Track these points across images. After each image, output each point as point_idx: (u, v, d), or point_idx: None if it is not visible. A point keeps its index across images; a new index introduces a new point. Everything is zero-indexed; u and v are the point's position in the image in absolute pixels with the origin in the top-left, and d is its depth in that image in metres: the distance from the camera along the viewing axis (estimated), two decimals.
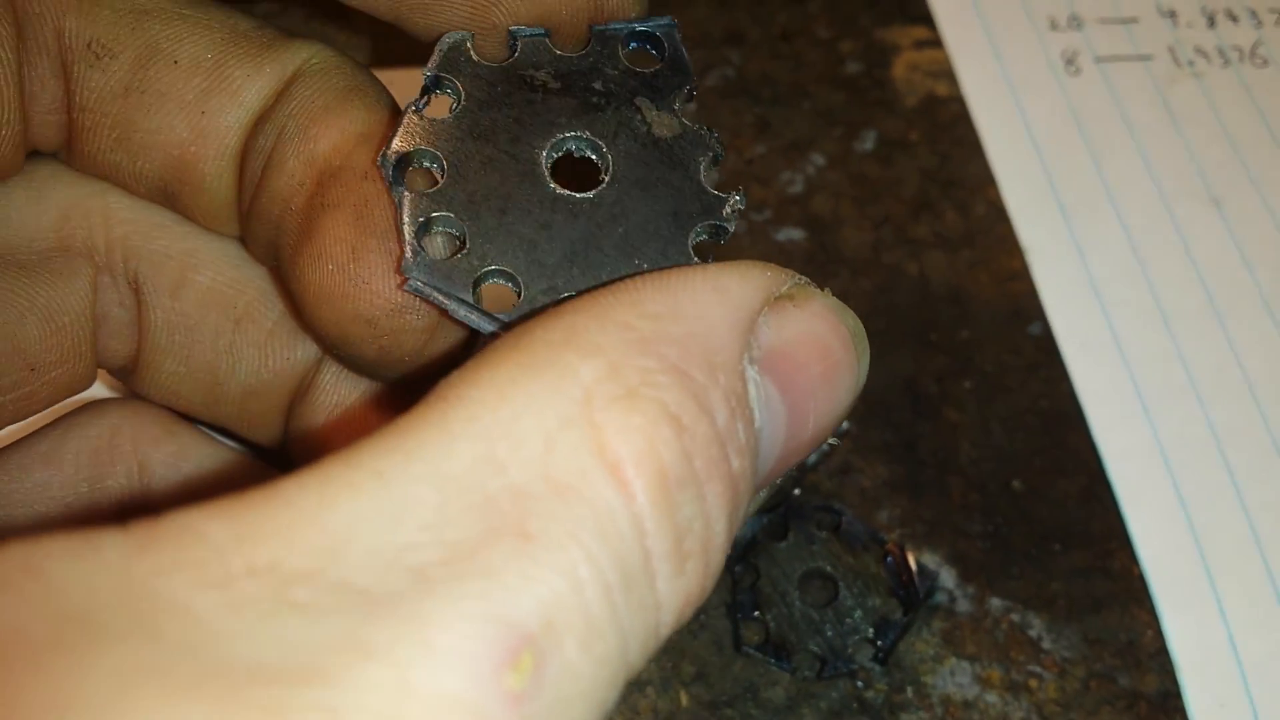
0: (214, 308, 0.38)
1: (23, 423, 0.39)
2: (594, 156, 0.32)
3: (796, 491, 0.49)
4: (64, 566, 0.20)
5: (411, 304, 0.32)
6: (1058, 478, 0.51)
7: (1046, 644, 0.47)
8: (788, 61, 0.64)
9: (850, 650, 0.46)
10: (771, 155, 0.60)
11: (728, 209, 0.31)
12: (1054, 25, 0.65)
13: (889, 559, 0.47)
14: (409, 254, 0.30)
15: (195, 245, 0.38)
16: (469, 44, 0.32)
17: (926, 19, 0.66)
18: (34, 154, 0.36)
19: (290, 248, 0.34)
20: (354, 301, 0.32)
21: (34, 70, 0.34)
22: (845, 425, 0.31)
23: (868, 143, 0.61)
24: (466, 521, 0.21)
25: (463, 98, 0.32)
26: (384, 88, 0.36)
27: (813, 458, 0.50)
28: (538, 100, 0.32)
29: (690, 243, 0.31)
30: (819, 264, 0.57)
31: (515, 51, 0.32)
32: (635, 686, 0.45)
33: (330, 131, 0.34)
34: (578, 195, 0.31)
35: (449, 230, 0.31)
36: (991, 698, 0.46)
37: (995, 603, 0.48)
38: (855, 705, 0.45)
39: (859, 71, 0.64)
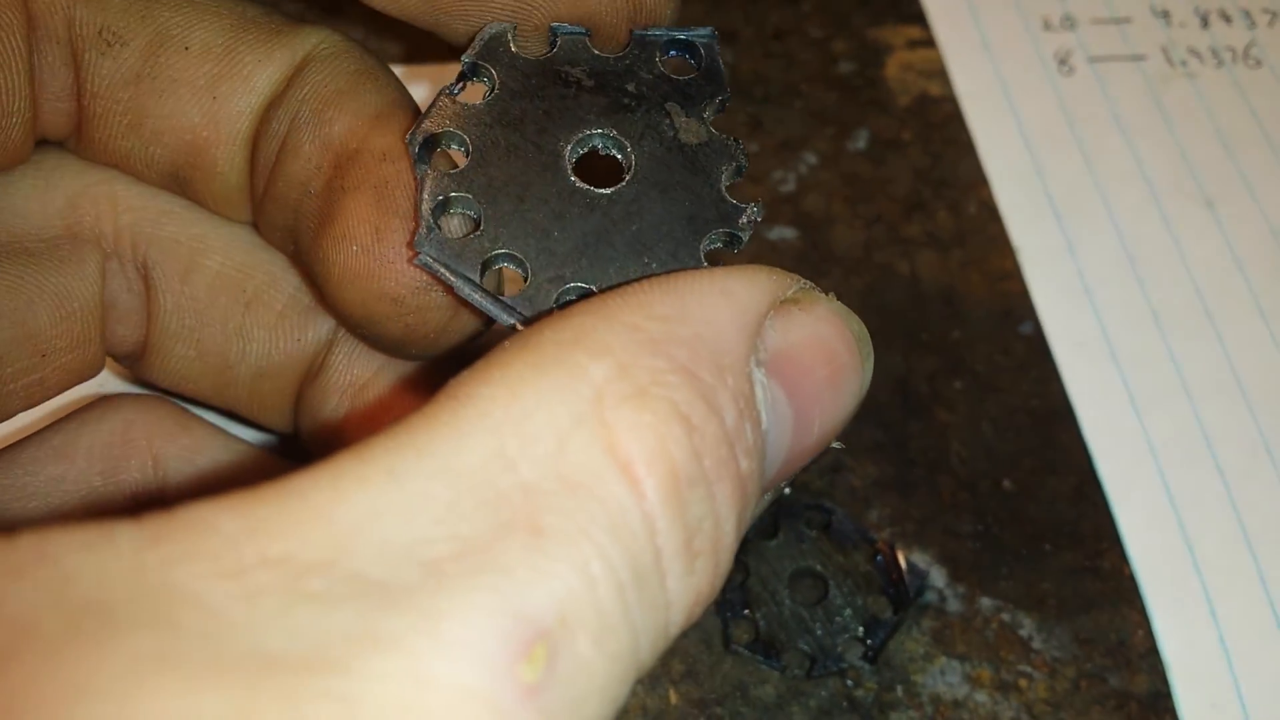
0: (223, 292, 0.39)
1: (33, 414, 0.39)
2: (618, 155, 0.32)
3: (787, 490, 0.49)
4: (78, 557, 0.20)
5: (435, 281, 0.32)
6: (1048, 477, 0.51)
7: (1037, 644, 0.47)
8: (780, 60, 0.64)
9: (840, 649, 0.46)
10: (764, 154, 0.60)
11: (744, 219, 0.32)
12: (1047, 25, 0.65)
13: (879, 558, 0.47)
14: (423, 229, 0.31)
15: (204, 230, 0.38)
16: (510, 36, 0.33)
17: (919, 18, 0.66)
18: (41, 142, 0.37)
19: (311, 231, 0.34)
20: (379, 281, 0.33)
21: (44, 59, 0.35)
22: (839, 443, 0.31)
23: (860, 142, 0.61)
24: (478, 517, 0.22)
25: (497, 86, 0.32)
26: (392, 72, 0.36)
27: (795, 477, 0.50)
28: (570, 96, 0.32)
29: (703, 249, 0.31)
30: (811, 263, 0.57)
31: (555, 47, 0.33)
32: None
33: (344, 115, 0.34)
34: (596, 190, 0.31)
35: (466, 212, 0.31)
36: (981, 697, 0.46)
37: (985, 602, 0.48)
38: (845, 704, 0.45)
39: (851, 71, 0.64)
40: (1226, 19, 0.66)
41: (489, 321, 0.33)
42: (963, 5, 0.66)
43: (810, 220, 0.58)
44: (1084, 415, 0.53)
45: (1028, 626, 0.47)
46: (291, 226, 0.36)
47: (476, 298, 0.31)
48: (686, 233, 0.31)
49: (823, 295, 0.29)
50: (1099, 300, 0.56)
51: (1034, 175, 0.60)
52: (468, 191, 0.31)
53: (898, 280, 0.57)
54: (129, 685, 0.18)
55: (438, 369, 0.39)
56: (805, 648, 0.45)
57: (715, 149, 0.32)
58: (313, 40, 0.35)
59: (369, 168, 0.33)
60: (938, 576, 0.48)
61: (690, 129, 0.32)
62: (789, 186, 0.59)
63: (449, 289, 0.31)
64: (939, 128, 0.62)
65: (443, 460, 0.22)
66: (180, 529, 0.20)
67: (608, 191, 0.31)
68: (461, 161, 0.32)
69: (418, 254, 0.31)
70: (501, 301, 0.30)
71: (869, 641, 0.46)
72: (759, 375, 0.27)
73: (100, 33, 0.35)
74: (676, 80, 0.33)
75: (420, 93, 0.37)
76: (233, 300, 0.39)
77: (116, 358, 0.40)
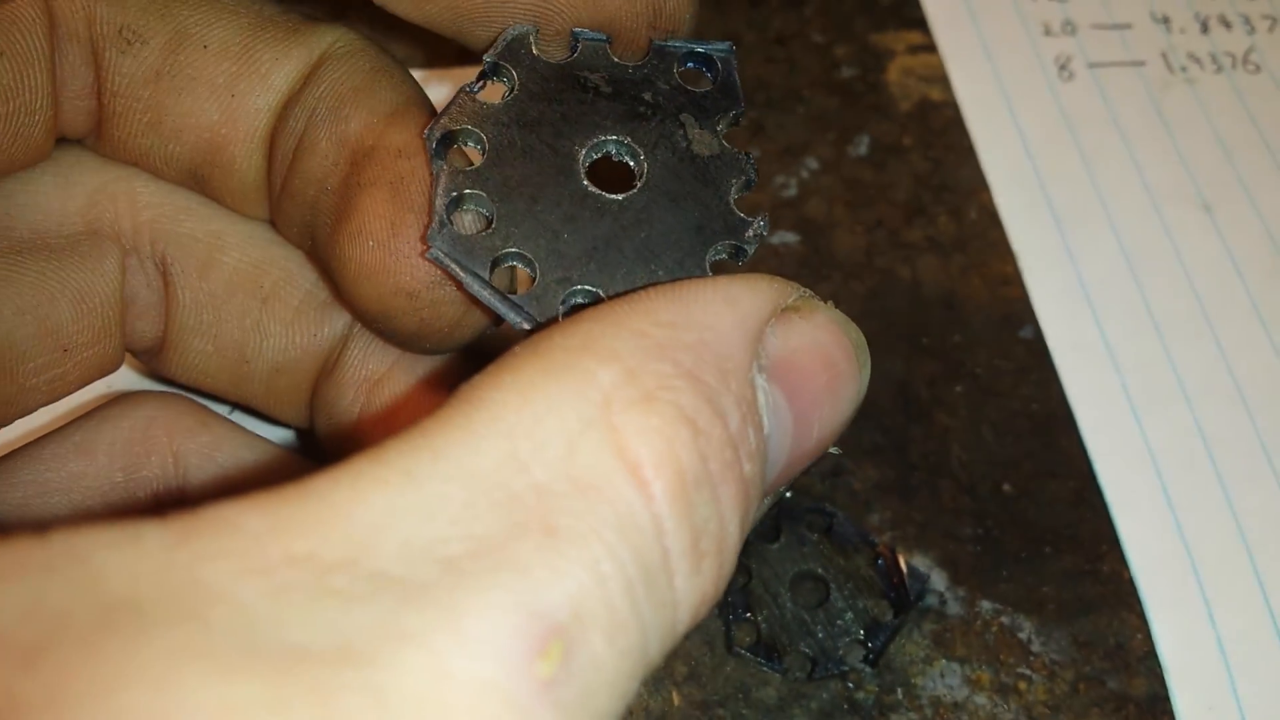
0: (241, 287, 0.39)
1: (54, 410, 0.40)
2: (630, 162, 0.33)
3: (788, 494, 0.50)
4: (108, 554, 0.20)
5: (445, 276, 0.33)
6: (1048, 481, 0.52)
7: (1036, 646, 0.47)
8: (782, 65, 0.64)
9: (841, 652, 0.46)
10: (765, 159, 0.60)
11: (750, 232, 0.32)
12: (1047, 31, 0.66)
13: (880, 561, 0.48)
14: (435, 224, 0.31)
15: (221, 227, 0.39)
16: (532, 39, 0.33)
17: (921, 24, 0.66)
18: (61, 140, 0.37)
19: (328, 227, 0.35)
20: (395, 276, 0.33)
21: (65, 57, 0.35)
22: (836, 448, 0.32)
23: (861, 147, 0.61)
24: (493, 517, 0.22)
25: (516, 87, 0.33)
26: (407, 70, 0.36)
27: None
28: (587, 101, 0.33)
29: (709, 259, 0.32)
30: (812, 268, 0.57)
31: (575, 52, 0.33)
32: None
33: (361, 111, 0.35)
34: (608, 196, 0.32)
35: (479, 209, 0.32)
36: (981, 699, 0.46)
37: (985, 605, 0.48)
38: (846, 706, 0.46)
39: (853, 76, 0.64)
40: (1226, 24, 0.67)
41: (498, 318, 0.33)
42: (964, 11, 0.66)
43: (812, 225, 0.59)
44: (1083, 419, 0.53)
45: (1027, 629, 0.48)
46: (308, 223, 0.36)
47: (485, 295, 0.31)
48: (694, 242, 0.32)
49: (822, 303, 0.30)
50: (1098, 305, 0.57)
51: (1034, 180, 0.60)
52: (482, 189, 0.31)
53: (899, 285, 0.57)
54: (163, 675, 0.19)
55: (452, 364, 0.39)
56: (807, 650, 0.46)
57: (726, 162, 0.33)
58: (329, 38, 0.36)
59: (385, 164, 0.34)
60: (938, 580, 0.49)
61: (703, 141, 0.33)
62: (791, 191, 0.59)
63: (458, 284, 0.32)
64: (940, 133, 0.62)
65: (457, 463, 0.23)
66: (206, 527, 0.21)
67: (619, 197, 0.32)
68: (477, 160, 0.32)
69: (429, 248, 0.31)
70: (509, 300, 0.31)
71: (870, 644, 0.46)
72: (761, 380, 0.27)
73: (120, 31, 0.35)
74: (692, 92, 0.33)
75: (435, 95, 0.37)
76: (250, 296, 0.39)
77: (135, 353, 0.41)
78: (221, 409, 0.44)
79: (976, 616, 0.48)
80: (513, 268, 0.32)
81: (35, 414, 0.39)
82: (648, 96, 0.33)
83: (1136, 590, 0.49)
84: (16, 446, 0.39)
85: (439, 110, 0.33)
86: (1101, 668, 0.47)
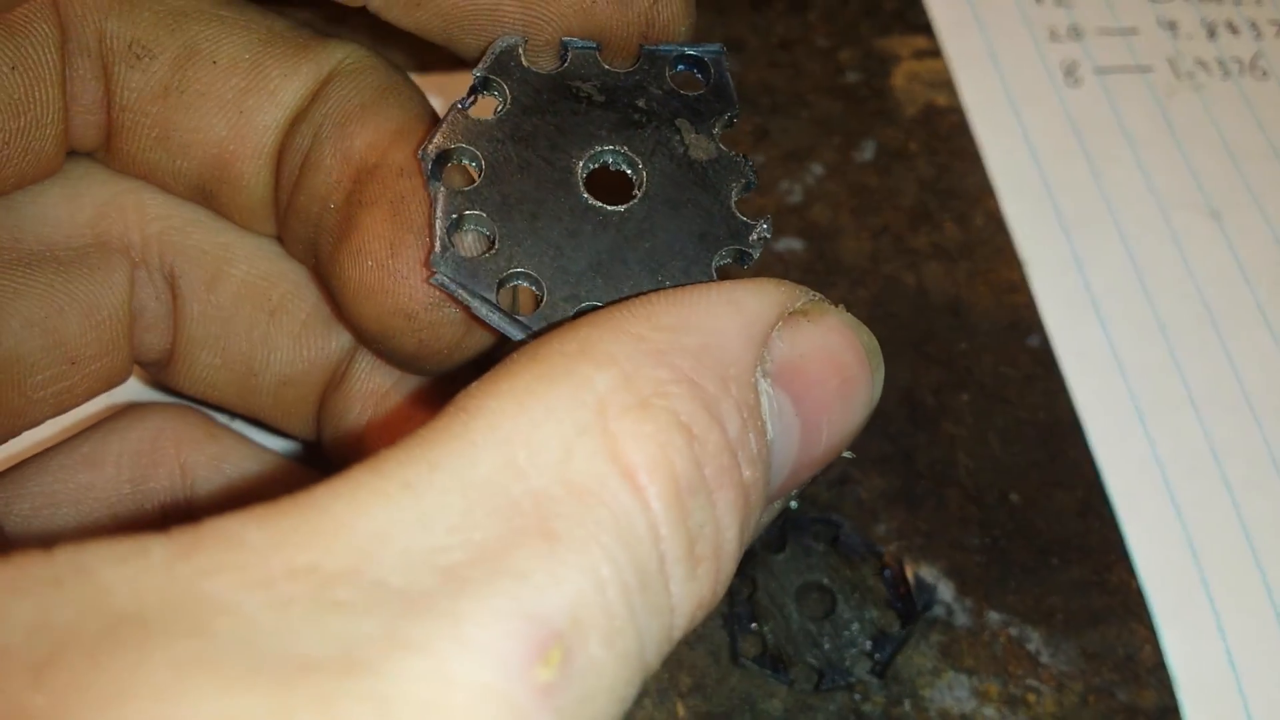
0: (249, 300, 0.39)
1: (61, 421, 0.40)
2: (629, 171, 0.32)
3: (794, 504, 0.49)
4: (114, 569, 0.21)
5: (451, 300, 0.32)
6: (1055, 490, 0.51)
7: (1044, 658, 0.47)
8: (786, 70, 0.63)
9: (848, 663, 0.46)
10: (770, 165, 0.60)
11: (754, 236, 0.32)
12: (1054, 36, 0.65)
13: (886, 571, 0.47)
14: (438, 248, 0.31)
15: (229, 240, 0.39)
16: (521, 50, 0.33)
17: (926, 28, 0.66)
18: (69, 153, 0.37)
19: (330, 245, 0.35)
20: (393, 296, 0.33)
21: (75, 71, 0.35)
22: (850, 453, 0.32)
23: (866, 153, 0.61)
24: (491, 524, 0.22)
25: (508, 101, 0.32)
26: (417, 87, 0.36)
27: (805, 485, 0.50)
28: (581, 111, 0.32)
29: (714, 265, 0.31)
30: (817, 274, 0.57)
31: (565, 61, 0.33)
32: None
33: (366, 129, 0.34)
34: (609, 208, 0.31)
35: (480, 229, 0.31)
36: (989, 711, 0.46)
37: (993, 616, 0.48)
38: (853, 718, 0.45)
39: (858, 81, 0.64)
40: (1233, 30, 0.66)
41: (504, 338, 0.33)
42: (969, 15, 0.66)
43: (817, 231, 0.58)
44: (1091, 428, 0.53)
45: (1035, 640, 0.47)
46: (312, 240, 0.36)
47: (494, 319, 0.31)
48: (698, 250, 0.31)
49: (832, 307, 0.30)
50: (1106, 312, 0.56)
51: (1041, 187, 0.60)
52: (481, 209, 0.31)
53: (904, 292, 0.57)
54: (169, 688, 0.19)
55: (457, 378, 0.39)
56: (813, 661, 0.45)
57: (725, 166, 0.32)
58: (339, 55, 0.36)
59: (387, 183, 0.33)
60: (945, 590, 0.48)
61: (700, 146, 0.32)
62: (796, 197, 0.59)
63: (465, 308, 0.31)
64: (946, 138, 0.62)
65: (455, 471, 0.23)
66: (209, 541, 0.21)
67: (620, 209, 0.32)
68: (474, 176, 0.32)
69: (433, 273, 0.31)
70: (518, 321, 0.30)
71: (877, 656, 0.45)
72: (765, 385, 0.27)
73: (130, 46, 0.35)
74: (686, 96, 0.33)
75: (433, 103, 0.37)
76: (258, 309, 0.39)
77: (143, 365, 0.41)
78: (232, 421, 0.44)
79: (984, 627, 0.48)
80: (516, 286, 0.31)
81: (42, 425, 0.39)
82: (641, 103, 0.33)
83: (1145, 601, 0.48)
84: (24, 458, 0.39)
85: (430, 129, 0.33)
86: (1111, 679, 0.47)
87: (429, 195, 0.31)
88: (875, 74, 0.64)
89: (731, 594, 0.47)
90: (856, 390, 0.30)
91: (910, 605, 0.46)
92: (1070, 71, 0.64)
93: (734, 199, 0.32)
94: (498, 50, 0.33)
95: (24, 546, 0.21)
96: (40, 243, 0.37)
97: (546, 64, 0.33)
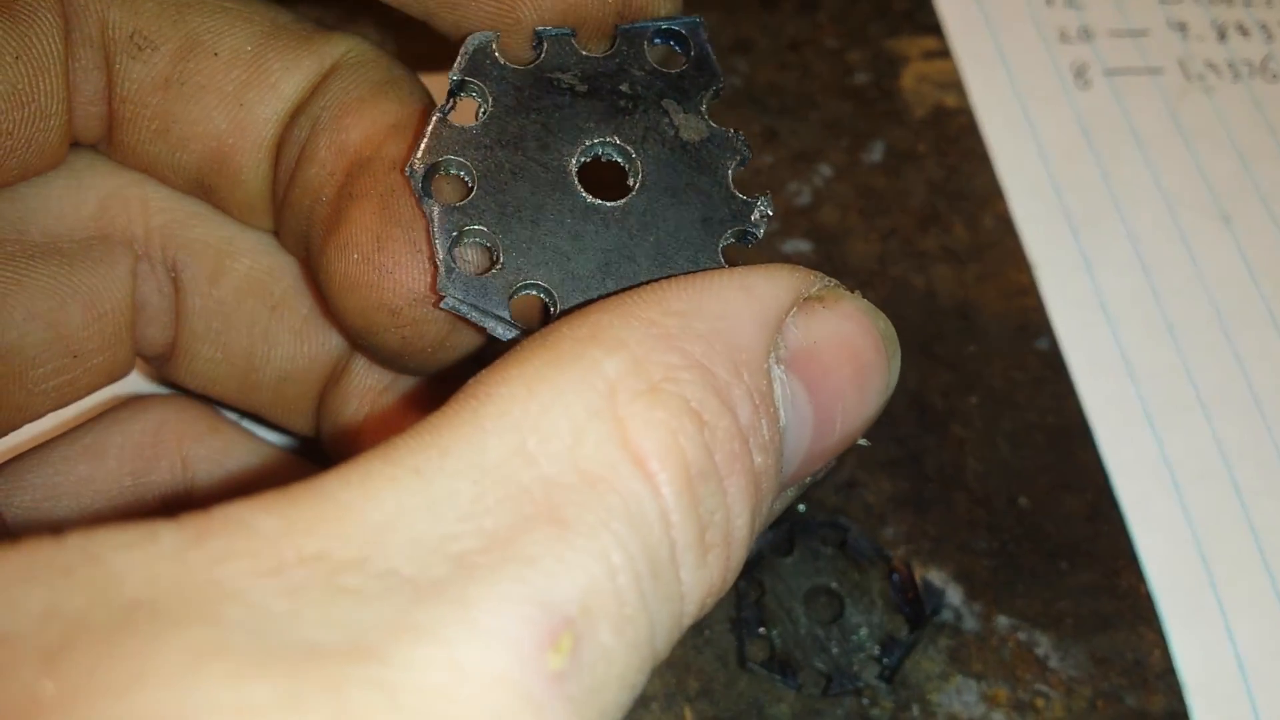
0: (251, 295, 0.39)
1: (63, 412, 0.40)
2: (621, 160, 0.32)
3: (802, 507, 0.49)
4: (125, 556, 0.21)
5: (434, 295, 0.32)
6: (1064, 494, 0.51)
7: (1053, 663, 0.47)
8: (795, 71, 0.63)
9: (856, 668, 0.45)
10: (779, 166, 0.60)
11: (755, 215, 0.31)
12: (1064, 37, 0.65)
13: (895, 576, 0.47)
14: (443, 271, 0.30)
15: (232, 233, 0.39)
16: (494, 45, 0.32)
17: (936, 29, 0.65)
18: (73, 145, 0.37)
19: (319, 238, 0.35)
20: (378, 290, 0.33)
21: (78, 62, 0.35)
22: (865, 440, 0.32)
23: (875, 154, 0.61)
24: (502, 510, 0.22)
25: (490, 102, 0.31)
26: (420, 82, 0.36)
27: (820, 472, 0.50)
28: (565, 104, 0.32)
29: (721, 250, 0.31)
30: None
31: (541, 52, 0.32)
32: (639, 702, 0.45)
33: (362, 122, 0.34)
34: (609, 204, 0.31)
35: (481, 242, 0.31)
36: (998, 716, 0.45)
37: (1002, 620, 0.48)
38: None
39: (867, 82, 0.63)
40: (1244, 32, 0.66)
41: (491, 339, 0.32)
42: (979, 16, 0.65)
43: (825, 233, 0.58)
44: (1100, 431, 0.53)
45: (1044, 645, 0.47)
46: (305, 233, 0.36)
47: (512, 336, 0.30)
48: (704, 237, 0.31)
49: (848, 293, 0.29)
50: (1115, 315, 0.56)
51: (1050, 189, 0.60)
52: (480, 223, 0.30)
53: (913, 294, 0.56)
54: (181, 675, 0.19)
55: (456, 375, 0.39)
56: (821, 666, 0.45)
57: (717, 143, 0.32)
58: (341, 48, 0.35)
59: (378, 176, 0.33)
60: (954, 594, 0.48)
61: (690, 126, 0.32)
62: (804, 199, 0.59)
63: (480, 329, 0.31)
64: (955, 140, 0.62)
65: (466, 458, 0.23)
66: (219, 528, 0.21)
67: (620, 203, 0.31)
68: (466, 185, 0.31)
69: (442, 298, 0.30)
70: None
71: (885, 660, 0.45)
72: (778, 372, 0.27)
73: (132, 36, 0.35)
74: (669, 74, 0.32)
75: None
76: (259, 303, 0.39)
77: (145, 359, 0.41)
78: (232, 415, 0.44)
79: (993, 632, 0.47)
80: (526, 296, 0.31)
81: (43, 418, 0.39)
82: (625, 88, 0.32)
83: (1154, 605, 0.48)
84: (25, 449, 0.39)
85: (413, 143, 0.32)
86: (1119, 684, 0.47)
87: (423, 214, 0.31)
88: (884, 75, 0.64)
89: (739, 597, 0.47)
90: (872, 377, 0.29)
91: (919, 609, 0.46)
92: (1080, 73, 0.64)
93: (731, 176, 0.32)
94: (471, 49, 0.32)
95: (33, 534, 0.21)
96: (44, 235, 0.37)
97: (523, 56, 0.32)
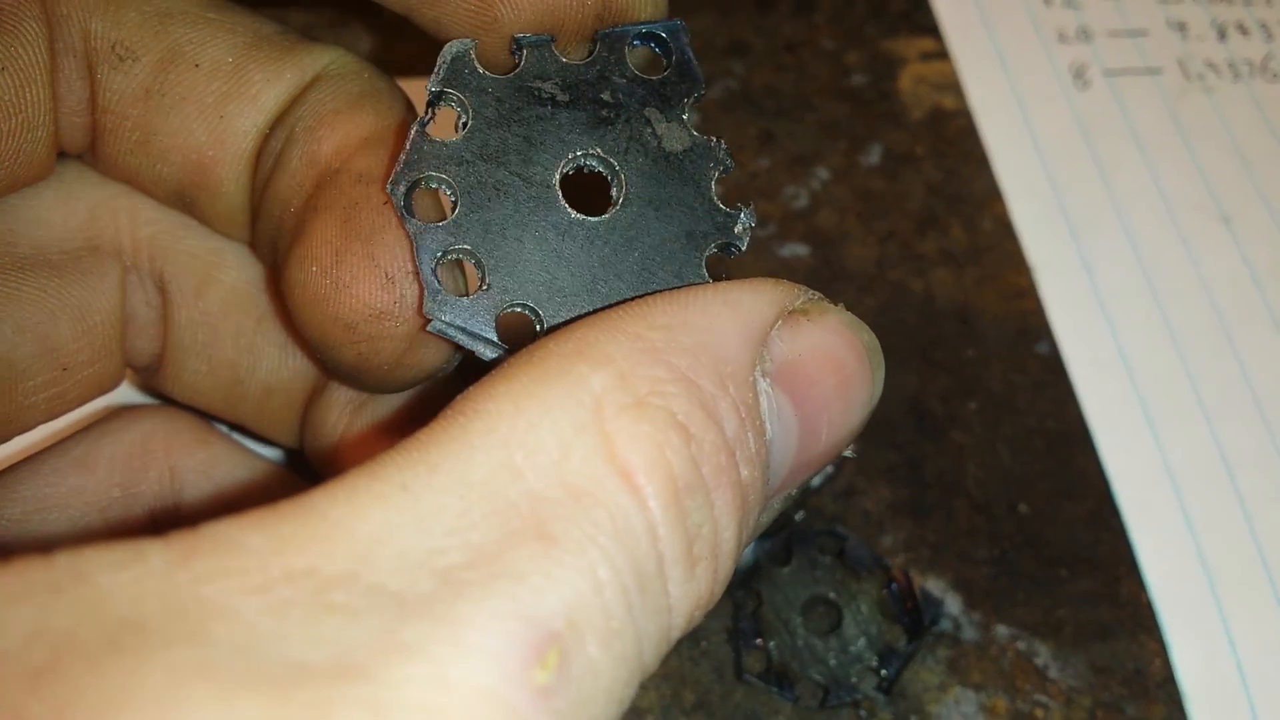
0: (236, 308, 0.39)
1: (52, 424, 0.39)
2: (605, 172, 0.31)
3: (799, 516, 0.49)
4: (112, 575, 0.21)
5: (391, 311, 0.32)
6: (1065, 501, 0.51)
7: (1053, 672, 0.46)
8: (792, 73, 0.63)
9: (854, 679, 0.45)
10: (775, 169, 0.59)
11: (739, 227, 0.31)
12: (1063, 37, 0.65)
13: (893, 585, 0.47)
14: (429, 295, 0.30)
15: (219, 245, 0.39)
16: (473, 53, 0.31)
17: (933, 30, 0.65)
18: (60, 155, 0.37)
19: (284, 249, 0.34)
20: (334, 305, 0.32)
21: (61, 72, 0.35)
22: (852, 450, 0.31)
23: (873, 156, 0.60)
24: (489, 526, 0.22)
25: (470, 114, 0.31)
26: (402, 93, 0.35)
27: (818, 480, 0.49)
28: (547, 115, 0.31)
29: (705, 265, 0.31)
30: (823, 280, 0.56)
31: (521, 60, 0.31)
32: (633, 714, 0.44)
33: (335, 134, 0.34)
34: (593, 219, 0.31)
35: (466, 260, 0.30)
36: None
37: (1001, 630, 0.47)
38: None
39: (864, 83, 0.63)
40: (1244, 31, 0.65)
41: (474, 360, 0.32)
42: (977, 17, 0.65)
43: (822, 236, 0.57)
44: (1101, 437, 0.52)
45: (1044, 655, 0.47)
46: (275, 243, 0.35)
47: (496, 355, 0.30)
48: (688, 252, 0.31)
49: (832, 306, 0.29)
50: (1115, 318, 0.56)
51: (1049, 191, 0.59)
52: (465, 242, 0.30)
53: (911, 298, 0.56)
54: (167, 696, 0.19)
55: (439, 390, 0.38)
56: (818, 678, 0.45)
57: (700, 153, 0.32)
58: (325, 59, 0.35)
59: (343, 188, 0.33)
60: (953, 603, 0.48)
61: (673, 135, 0.32)
62: (801, 202, 0.58)
63: (469, 353, 0.30)
64: (953, 142, 0.61)
65: (452, 473, 0.23)
66: (207, 545, 0.21)
67: (604, 218, 0.31)
68: (447, 201, 0.30)
69: (429, 321, 0.30)
70: None
71: (883, 672, 0.45)
72: (764, 384, 0.27)
73: (113, 47, 0.34)
74: (650, 81, 0.32)
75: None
76: (244, 317, 0.39)
77: (134, 369, 0.41)
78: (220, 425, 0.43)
79: (992, 642, 0.47)
80: (511, 314, 0.30)
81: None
82: (606, 96, 0.31)
83: (1155, 614, 0.48)
84: (13, 461, 0.39)
85: (393, 158, 0.31)
86: (1120, 694, 0.46)
87: (407, 235, 0.30)
88: (882, 76, 0.63)
89: (736, 608, 0.46)
90: (856, 389, 0.30)
91: (917, 619, 0.46)
92: (1079, 73, 0.63)
93: (714, 187, 0.31)
94: (449, 58, 0.31)
95: (20, 551, 0.21)
96: (34, 246, 0.36)
97: (502, 63, 0.32)
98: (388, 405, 0.38)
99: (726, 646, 0.46)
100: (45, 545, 0.21)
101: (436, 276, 0.30)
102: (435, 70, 0.31)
